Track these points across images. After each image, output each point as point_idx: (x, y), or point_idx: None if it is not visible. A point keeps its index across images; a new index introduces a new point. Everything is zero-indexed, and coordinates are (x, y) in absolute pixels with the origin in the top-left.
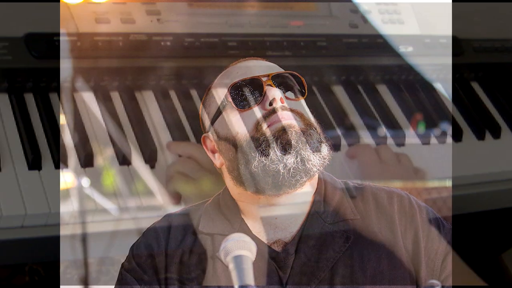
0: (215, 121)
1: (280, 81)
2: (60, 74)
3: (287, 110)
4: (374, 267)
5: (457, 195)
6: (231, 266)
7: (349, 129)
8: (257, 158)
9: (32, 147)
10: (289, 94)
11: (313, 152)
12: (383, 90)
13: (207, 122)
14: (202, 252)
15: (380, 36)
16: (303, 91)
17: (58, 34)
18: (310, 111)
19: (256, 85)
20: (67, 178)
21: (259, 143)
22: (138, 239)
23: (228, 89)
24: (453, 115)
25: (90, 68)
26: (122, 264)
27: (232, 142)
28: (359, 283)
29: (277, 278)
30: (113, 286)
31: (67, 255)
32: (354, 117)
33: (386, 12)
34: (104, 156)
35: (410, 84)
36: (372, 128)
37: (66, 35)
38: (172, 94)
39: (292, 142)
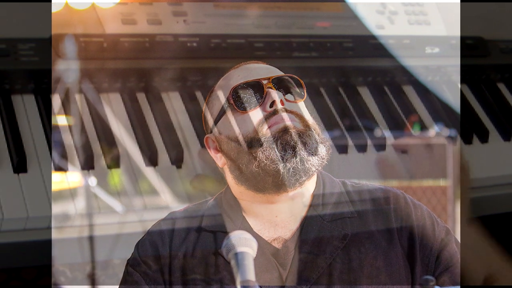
0: (217, 123)
1: (280, 84)
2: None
3: (287, 112)
4: (370, 263)
5: (484, 196)
6: (233, 262)
7: (375, 130)
8: (258, 158)
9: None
10: (289, 96)
11: (312, 152)
12: (409, 91)
13: (210, 123)
14: (205, 249)
15: (406, 37)
16: (302, 93)
17: (84, 35)
18: (337, 112)
19: (257, 87)
20: (96, 179)
21: (260, 143)
22: (143, 236)
23: (230, 92)
24: (479, 116)
25: (116, 69)
26: (128, 260)
27: (234, 143)
28: (356, 279)
29: (277, 274)
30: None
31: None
32: (380, 118)
33: (413, 13)
34: (130, 157)
35: (436, 85)
36: (398, 129)
37: (92, 36)
38: (198, 95)
39: (292, 142)
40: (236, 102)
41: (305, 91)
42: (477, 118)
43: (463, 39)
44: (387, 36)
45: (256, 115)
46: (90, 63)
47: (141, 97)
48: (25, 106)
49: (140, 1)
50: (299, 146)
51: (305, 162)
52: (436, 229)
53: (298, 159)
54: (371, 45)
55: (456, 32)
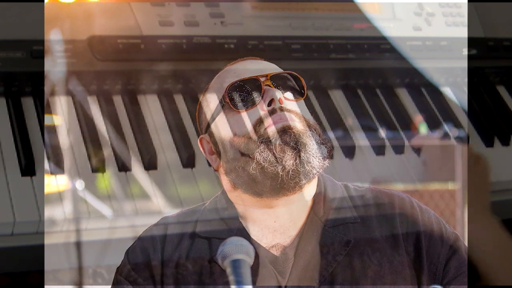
0: (212, 122)
1: (279, 82)
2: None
3: (286, 111)
4: (374, 271)
5: None
6: (228, 270)
7: (414, 131)
8: (255, 160)
9: (95, 151)
10: (288, 94)
11: (313, 154)
12: (447, 93)
13: (204, 123)
14: (199, 256)
15: (443, 39)
16: (302, 91)
17: (121, 37)
18: (376, 113)
19: (254, 85)
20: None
21: (257, 144)
22: (133, 243)
23: (226, 90)
24: None
25: (154, 71)
26: (117, 269)
27: (230, 144)
28: None
29: (276, 283)
30: None
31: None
32: (418, 119)
33: (450, 15)
34: (168, 158)
35: (474, 87)
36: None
37: (130, 38)
38: None
39: (291, 143)
40: (232, 101)
41: (305, 89)
42: None
43: (500, 40)
44: (424, 38)
45: (253, 114)
46: (127, 64)
47: (179, 99)
48: (62, 107)
49: (177, 2)
50: (299, 147)
51: (305, 165)
52: (444, 235)
53: (298, 161)
54: (408, 47)
55: (494, 33)
